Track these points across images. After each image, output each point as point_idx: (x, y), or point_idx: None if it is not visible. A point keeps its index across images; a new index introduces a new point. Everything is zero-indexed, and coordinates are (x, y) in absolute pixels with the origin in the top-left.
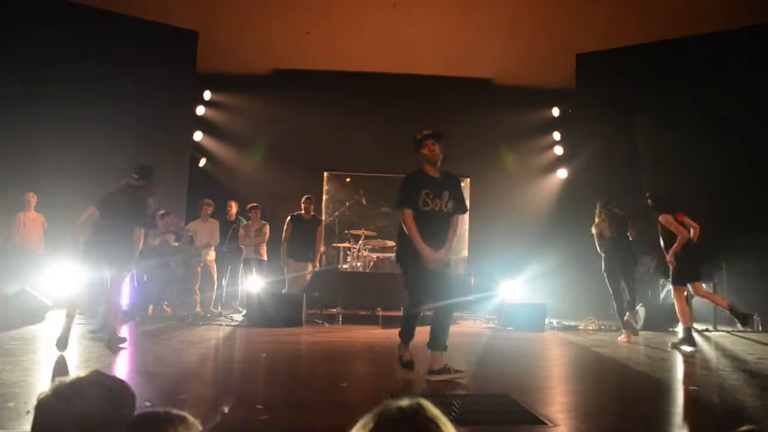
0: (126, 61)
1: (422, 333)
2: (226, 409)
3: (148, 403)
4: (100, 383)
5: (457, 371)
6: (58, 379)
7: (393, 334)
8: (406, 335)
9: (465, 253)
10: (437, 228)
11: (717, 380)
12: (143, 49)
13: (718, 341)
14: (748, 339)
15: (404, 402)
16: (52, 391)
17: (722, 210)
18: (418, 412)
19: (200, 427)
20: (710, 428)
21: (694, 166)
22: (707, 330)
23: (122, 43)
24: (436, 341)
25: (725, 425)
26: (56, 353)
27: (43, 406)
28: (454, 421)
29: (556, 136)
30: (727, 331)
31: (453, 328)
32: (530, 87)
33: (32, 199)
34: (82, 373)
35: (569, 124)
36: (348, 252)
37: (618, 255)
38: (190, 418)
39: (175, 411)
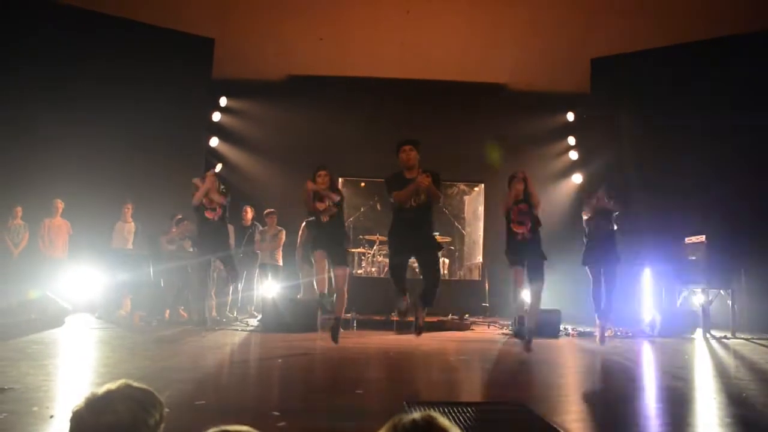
0: (143, 68)
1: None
2: None
3: (166, 409)
4: (130, 396)
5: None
6: (91, 392)
7: (407, 339)
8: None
9: (480, 258)
10: (418, 220)
11: (736, 389)
12: (160, 56)
13: (736, 349)
14: (767, 347)
15: (417, 415)
16: (85, 404)
17: (741, 215)
18: (430, 424)
19: None
20: None
21: (711, 171)
22: (725, 337)
23: (140, 50)
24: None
25: None
26: (76, 358)
27: (76, 418)
28: (467, 431)
29: (571, 141)
30: (747, 339)
31: (466, 334)
32: (545, 92)
33: (60, 205)
34: (113, 386)
35: (584, 129)
36: (363, 257)
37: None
38: None
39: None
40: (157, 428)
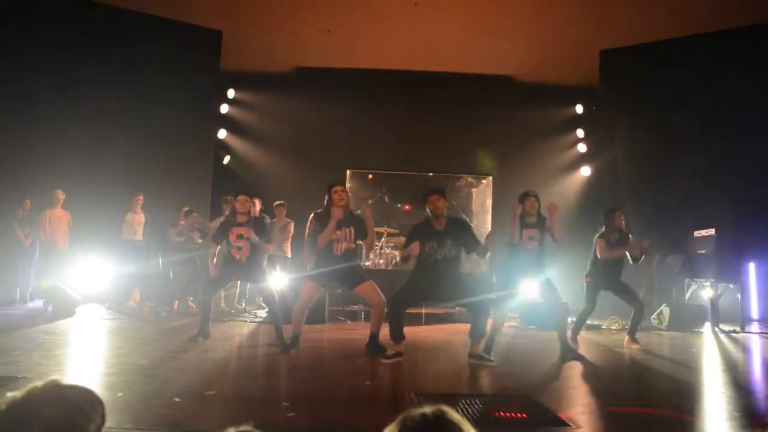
0: (151, 60)
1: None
2: None
3: (177, 399)
4: (60, 398)
5: (487, 359)
6: (9, 395)
7: (415, 331)
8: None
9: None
10: (442, 273)
11: (743, 383)
12: (168, 48)
13: (745, 343)
14: None
15: (427, 409)
16: (4, 412)
17: (751, 209)
18: (440, 417)
19: None
20: (734, 431)
21: (721, 164)
22: (734, 331)
23: (147, 42)
24: (473, 331)
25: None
26: (87, 348)
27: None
28: (477, 423)
29: (580, 133)
30: (755, 333)
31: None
32: (553, 84)
33: (61, 196)
34: (37, 386)
35: (593, 121)
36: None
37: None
38: None
39: (242, 430)
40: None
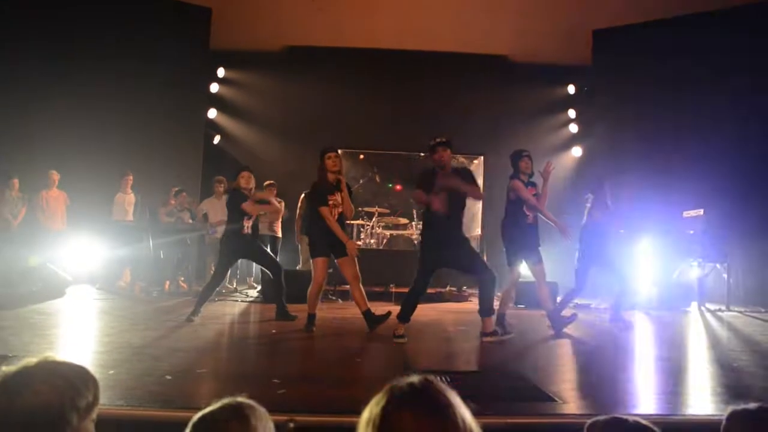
0: (140, 38)
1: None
2: (292, 425)
3: (168, 377)
4: (54, 373)
5: (505, 333)
6: (4, 368)
7: None
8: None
9: (478, 231)
10: (449, 220)
11: (727, 359)
12: (157, 25)
13: (730, 321)
14: (761, 320)
15: (414, 378)
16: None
17: (743, 186)
18: (427, 387)
19: (265, 412)
20: (716, 405)
21: (712, 145)
22: (720, 310)
23: (136, 20)
24: (482, 309)
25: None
26: (78, 328)
27: None
28: (467, 398)
29: (571, 113)
30: (740, 312)
31: (464, 305)
32: (546, 64)
33: (55, 176)
34: (31, 361)
35: (585, 101)
36: (362, 229)
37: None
38: (256, 406)
39: (238, 400)
40: (89, 411)
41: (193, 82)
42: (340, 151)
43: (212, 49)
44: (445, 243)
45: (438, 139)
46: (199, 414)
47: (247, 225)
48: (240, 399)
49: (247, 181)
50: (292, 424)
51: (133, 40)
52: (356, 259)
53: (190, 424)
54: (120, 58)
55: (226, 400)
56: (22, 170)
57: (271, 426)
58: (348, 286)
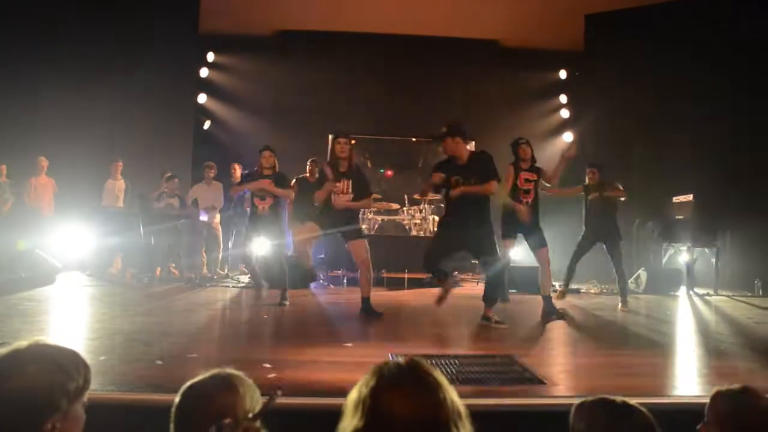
0: (129, 23)
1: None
2: (279, 393)
3: (159, 362)
4: (44, 356)
5: (497, 322)
6: None
7: (397, 295)
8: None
9: None
10: (468, 203)
11: (714, 342)
12: (146, 9)
13: (718, 305)
14: (748, 304)
15: (401, 359)
16: None
17: (732, 172)
18: (414, 368)
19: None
20: (703, 387)
21: (706, 129)
22: (708, 294)
23: (124, 3)
24: (486, 295)
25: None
26: (69, 314)
27: None
28: (457, 381)
29: (563, 99)
30: (728, 296)
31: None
32: (537, 49)
33: (44, 163)
34: (22, 344)
35: (576, 86)
36: None
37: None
38: (244, 377)
39: (227, 371)
40: (79, 395)
41: (182, 67)
42: (330, 137)
43: (201, 34)
44: (464, 225)
45: (443, 129)
46: (189, 383)
47: (260, 197)
48: (229, 370)
49: (266, 159)
50: (279, 392)
51: (121, 24)
52: (358, 245)
53: (179, 393)
54: (107, 42)
55: (215, 371)
56: (9, 156)
57: (258, 395)
58: (339, 272)
